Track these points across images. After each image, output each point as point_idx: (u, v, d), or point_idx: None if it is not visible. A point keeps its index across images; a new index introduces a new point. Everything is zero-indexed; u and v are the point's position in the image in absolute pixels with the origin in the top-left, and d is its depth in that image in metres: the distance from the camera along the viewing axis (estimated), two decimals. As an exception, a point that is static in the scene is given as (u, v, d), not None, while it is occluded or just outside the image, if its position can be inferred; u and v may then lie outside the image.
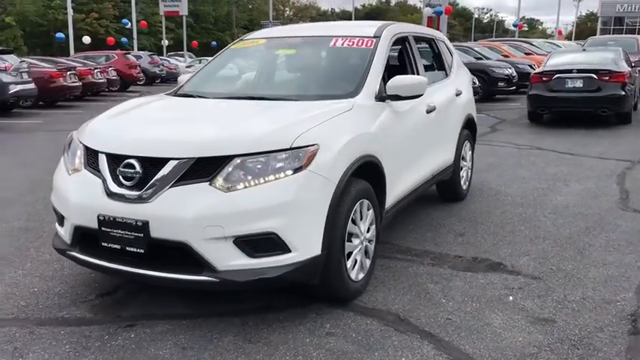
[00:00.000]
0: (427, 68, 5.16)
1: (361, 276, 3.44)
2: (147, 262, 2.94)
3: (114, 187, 2.98)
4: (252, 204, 2.80)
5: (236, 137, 2.96)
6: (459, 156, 5.35)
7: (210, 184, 2.83)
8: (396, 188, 3.93)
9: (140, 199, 2.88)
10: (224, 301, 3.35)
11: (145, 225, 2.85)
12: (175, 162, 2.88)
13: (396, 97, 3.80)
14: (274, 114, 3.28)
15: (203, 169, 2.87)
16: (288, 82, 4.33)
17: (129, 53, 25.75)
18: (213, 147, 2.90)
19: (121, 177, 2.98)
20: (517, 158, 7.87)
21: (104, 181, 3.02)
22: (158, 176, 2.88)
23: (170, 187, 2.86)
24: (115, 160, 3.03)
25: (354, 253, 3.32)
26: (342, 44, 4.14)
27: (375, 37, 4.16)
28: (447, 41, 5.71)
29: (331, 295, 3.30)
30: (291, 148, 2.92)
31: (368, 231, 3.50)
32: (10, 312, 3.26)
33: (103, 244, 3.01)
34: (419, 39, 5.02)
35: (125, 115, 3.51)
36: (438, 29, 29.67)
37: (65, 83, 16.05)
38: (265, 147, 2.90)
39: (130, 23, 37.25)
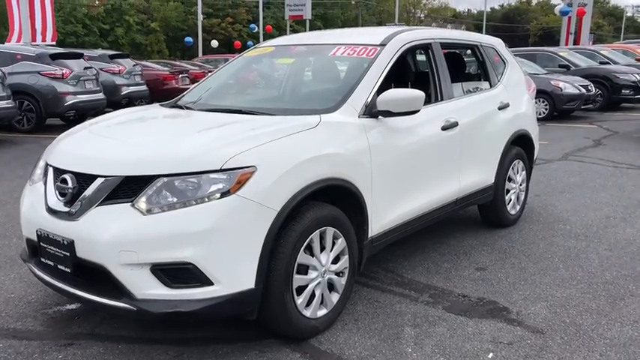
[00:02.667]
0: (463, 78, 4.63)
1: (322, 313, 3.08)
2: (77, 281, 2.82)
3: (51, 202, 2.91)
4: (168, 230, 2.57)
5: (163, 156, 2.74)
6: (503, 177, 4.73)
7: (131, 206, 2.65)
8: (388, 215, 3.51)
9: (69, 217, 2.77)
10: (177, 326, 3.16)
11: (71, 244, 2.73)
12: (102, 180, 2.73)
13: (388, 113, 3.38)
14: (223, 130, 3.02)
15: (130, 189, 2.69)
16: (272, 94, 4.05)
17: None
18: (138, 165, 2.71)
19: (57, 192, 2.90)
20: (605, 179, 6.90)
21: (45, 195, 2.96)
22: (85, 194, 2.75)
23: (97, 206, 2.71)
24: (58, 174, 2.96)
25: (309, 287, 2.98)
26: (343, 53, 3.79)
27: (380, 45, 3.76)
28: (501, 48, 5.07)
29: (279, 334, 2.98)
30: (221, 170, 2.65)
31: (336, 262, 3.13)
32: (-26, 318, 3.31)
33: (41, 259, 2.96)
34: (452, 46, 4.49)
35: (88, 129, 3.42)
36: (578, 30, 27.83)
37: (177, 85, 16.84)
38: (193, 167, 2.66)
39: (256, 28, 38.61)
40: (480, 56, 4.77)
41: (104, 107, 12.64)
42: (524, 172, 5.13)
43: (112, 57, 14.84)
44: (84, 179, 2.80)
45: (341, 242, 3.14)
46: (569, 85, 12.73)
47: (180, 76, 17.14)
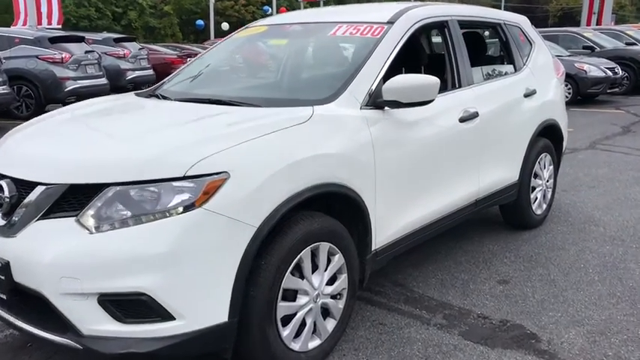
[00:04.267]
0: (484, 61, 4.06)
1: (314, 344, 2.58)
2: (18, 309, 2.35)
3: (-17, 216, 2.42)
4: (119, 252, 2.08)
5: (116, 159, 2.24)
6: (528, 173, 4.17)
7: (76, 221, 2.15)
8: (395, 223, 2.99)
9: (6, 232, 2.29)
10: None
11: (6, 266, 2.24)
12: (43, 188, 2.23)
13: (396, 104, 2.84)
14: (193, 127, 2.51)
15: (76, 199, 2.20)
16: (260, 81, 3.51)
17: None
18: (86, 171, 2.22)
19: (-7, 202, 2.41)
20: (638, 171, 6.30)
21: None
22: (24, 204, 2.26)
23: (37, 220, 2.22)
24: (-4, 180, 2.47)
25: (298, 315, 2.48)
26: (344, 33, 3.25)
27: (388, 23, 3.21)
28: (526, 26, 4.48)
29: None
30: (184, 177, 2.14)
31: (332, 282, 2.62)
32: None
33: (-26, 283, 2.48)
34: (472, 24, 3.93)
35: (38, 124, 2.93)
36: (600, 10, 26.85)
37: (185, 69, 16.38)
38: (151, 174, 2.15)
39: (270, 10, 37.91)
40: (503, 36, 4.18)
41: (107, 93, 12.19)
42: (551, 167, 4.56)
43: (117, 40, 14.36)
44: (23, 186, 2.31)
45: (338, 259, 2.63)
46: (594, 68, 12.02)
47: (189, 59, 16.61)
